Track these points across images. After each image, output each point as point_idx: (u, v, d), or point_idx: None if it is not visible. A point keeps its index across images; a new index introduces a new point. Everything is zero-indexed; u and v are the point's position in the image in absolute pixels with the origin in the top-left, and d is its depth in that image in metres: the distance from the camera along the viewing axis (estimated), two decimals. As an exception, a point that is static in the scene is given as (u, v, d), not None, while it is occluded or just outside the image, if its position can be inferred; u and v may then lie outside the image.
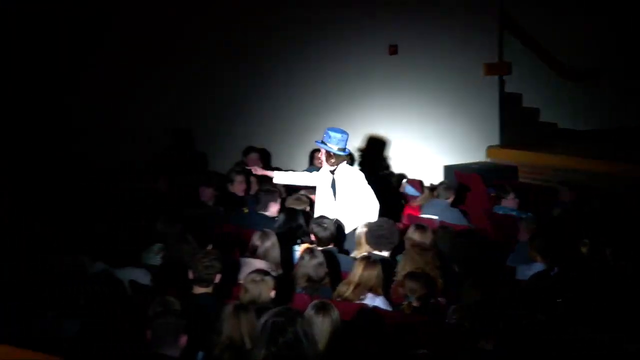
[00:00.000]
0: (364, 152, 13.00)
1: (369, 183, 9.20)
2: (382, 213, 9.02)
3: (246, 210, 9.84)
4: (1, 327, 5.55)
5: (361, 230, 8.35)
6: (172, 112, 12.40)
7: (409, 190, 11.88)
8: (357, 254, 8.29)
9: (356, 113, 13.11)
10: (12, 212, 9.13)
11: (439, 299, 7.20)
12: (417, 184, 12.16)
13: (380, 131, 13.27)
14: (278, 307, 5.36)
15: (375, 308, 6.84)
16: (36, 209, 9.30)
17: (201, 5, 12.45)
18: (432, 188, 11.23)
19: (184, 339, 5.47)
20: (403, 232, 8.49)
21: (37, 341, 5.60)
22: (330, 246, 8.23)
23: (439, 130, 13.59)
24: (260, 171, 9.84)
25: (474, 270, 7.84)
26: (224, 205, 10.22)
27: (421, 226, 8.43)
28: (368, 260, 7.29)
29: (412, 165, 13.31)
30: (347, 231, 8.97)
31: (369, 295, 7.05)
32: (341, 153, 9.08)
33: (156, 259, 7.79)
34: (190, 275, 6.74)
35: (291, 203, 9.43)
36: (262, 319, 5.01)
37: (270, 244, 7.73)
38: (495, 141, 14.48)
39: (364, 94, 13.19)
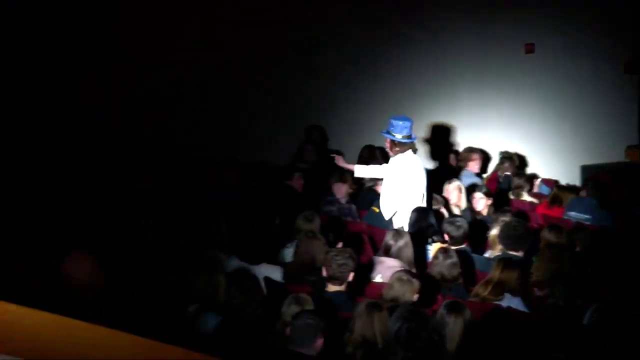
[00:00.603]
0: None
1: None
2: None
3: (377, 210, 9.84)
4: (142, 320, 5.68)
5: (495, 230, 8.29)
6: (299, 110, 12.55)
7: (544, 189, 11.69)
8: (491, 254, 8.25)
9: (491, 112, 13.01)
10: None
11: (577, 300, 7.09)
12: (553, 184, 11.96)
13: (515, 130, 13.09)
14: (406, 309, 5.35)
15: (510, 309, 6.77)
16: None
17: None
18: (564, 188, 11.02)
19: (320, 341, 5.51)
20: (537, 232, 8.38)
21: (177, 336, 5.72)
22: (463, 245, 8.19)
23: (576, 130, 13.29)
24: (342, 163, 9.82)
25: (610, 271, 7.68)
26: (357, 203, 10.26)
27: (556, 226, 8.31)
28: (508, 261, 7.23)
29: (548, 164, 13.11)
30: (386, 217, 8.91)
31: (507, 295, 6.98)
32: (406, 141, 8.93)
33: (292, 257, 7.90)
34: (324, 272, 6.79)
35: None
36: (395, 325, 5.00)
37: (404, 242, 7.72)
38: (634, 141, 14.08)
39: (499, 93, 13.04)
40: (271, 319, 6.09)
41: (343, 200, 10.14)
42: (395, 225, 8.68)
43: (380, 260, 7.63)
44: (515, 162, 12.04)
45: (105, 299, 4.47)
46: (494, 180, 11.64)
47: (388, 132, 8.97)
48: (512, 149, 12.81)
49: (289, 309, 5.93)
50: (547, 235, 8.14)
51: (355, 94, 12.85)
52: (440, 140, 12.94)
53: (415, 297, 6.51)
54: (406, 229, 8.53)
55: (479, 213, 9.89)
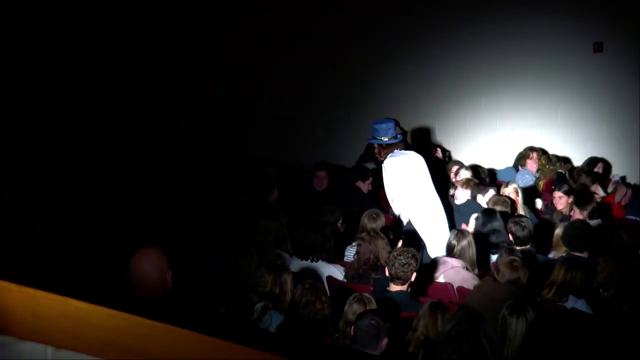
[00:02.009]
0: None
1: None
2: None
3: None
4: (204, 318, 5.74)
5: (558, 230, 8.23)
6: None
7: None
8: (555, 254, 8.19)
9: (558, 111, 12.91)
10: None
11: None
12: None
13: (581, 129, 12.96)
14: (466, 312, 5.35)
15: (574, 310, 6.72)
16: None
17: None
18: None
19: (385, 341, 5.55)
20: (606, 233, 8.29)
21: (241, 334, 5.79)
22: (528, 246, 8.15)
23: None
24: None
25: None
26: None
27: (632, 227, 8.20)
28: (571, 262, 7.15)
29: (614, 163, 12.94)
30: (404, 220, 8.87)
31: (571, 297, 6.89)
32: (393, 141, 8.91)
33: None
34: (386, 272, 6.82)
35: (495, 203, 9.32)
36: (446, 327, 5.01)
37: (467, 242, 7.72)
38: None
39: (566, 92, 12.94)
40: (334, 318, 6.14)
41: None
42: (416, 225, 8.72)
43: (444, 260, 7.64)
44: (562, 162, 11.97)
45: (172, 298, 4.53)
46: (552, 182, 11.52)
47: (374, 138, 8.98)
48: (575, 148, 12.72)
49: (352, 308, 5.96)
50: (622, 235, 8.05)
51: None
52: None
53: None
54: (425, 226, 8.61)
55: (559, 212, 9.78)
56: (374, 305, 6.01)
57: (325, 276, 7.35)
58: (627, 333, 6.19)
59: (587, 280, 7.02)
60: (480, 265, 7.82)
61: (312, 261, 7.55)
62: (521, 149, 12.27)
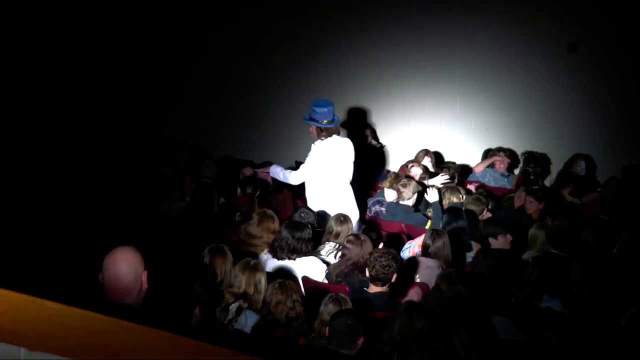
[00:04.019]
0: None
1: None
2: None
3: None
4: (178, 317, 5.72)
5: (535, 230, 8.25)
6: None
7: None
8: (530, 254, 8.20)
9: (532, 111, 12.96)
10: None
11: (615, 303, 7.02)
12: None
13: (556, 129, 13.01)
14: (435, 312, 5.35)
15: (548, 309, 6.72)
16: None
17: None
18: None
19: (360, 341, 5.56)
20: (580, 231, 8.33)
21: (215, 334, 5.77)
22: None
23: (617, 130, 13.14)
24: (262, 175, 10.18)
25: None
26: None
27: (595, 226, 8.24)
28: (544, 261, 7.16)
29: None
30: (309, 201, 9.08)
31: (546, 297, 6.88)
32: (330, 126, 9.02)
33: (327, 256, 7.92)
34: (367, 273, 6.82)
35: (469, 203, 9.36)
36: (418, 325, 5.00)
37: (442, 242, 7.73)
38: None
39: (540, 93, 12.97)
40: (309, 318, 6.14)
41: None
42: (314, 207, 8.92)
43: (419, 260, 7.64)
44: (540, 160, 12.00)
45: (148, 299, 4.50)
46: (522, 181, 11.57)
47: (311, 119, 9.05)
48: (550, 149, 12.78)
49: (327, 308, 5.97)
50: (587, 235, 8.09)
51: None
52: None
53: None
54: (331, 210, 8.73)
55: (530, 216, 9.79)
56: (349, 306, 6.02)
57: (301, 276, 7.33)
58: (601, 333, 6.23)
59: (561, 279, 7.05)
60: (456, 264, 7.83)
61: (289, 260, 7.52)
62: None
